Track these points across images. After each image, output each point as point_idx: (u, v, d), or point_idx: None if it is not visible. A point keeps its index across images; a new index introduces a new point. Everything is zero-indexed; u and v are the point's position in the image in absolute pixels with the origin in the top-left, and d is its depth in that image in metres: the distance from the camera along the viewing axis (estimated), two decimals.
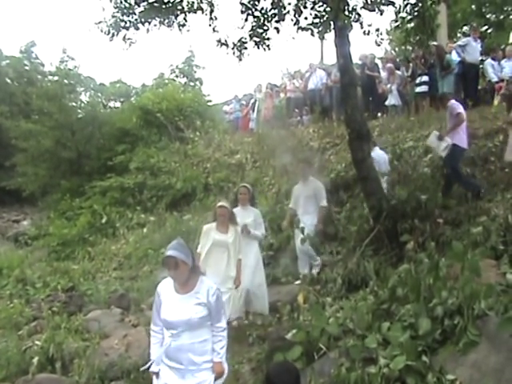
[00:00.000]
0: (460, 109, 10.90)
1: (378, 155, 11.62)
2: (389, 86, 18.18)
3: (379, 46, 10.63)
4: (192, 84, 45.40)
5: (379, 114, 18.29)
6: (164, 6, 10.94)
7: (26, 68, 49.94)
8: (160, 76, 45.10)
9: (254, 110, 24.18)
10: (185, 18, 11.37)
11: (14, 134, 28.79)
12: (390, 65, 18.94)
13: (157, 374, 5.28)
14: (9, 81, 48.43)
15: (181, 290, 5.19)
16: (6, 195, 41.00)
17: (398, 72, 18.60)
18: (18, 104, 44.73)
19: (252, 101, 24.96)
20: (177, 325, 5.10)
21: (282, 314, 8.66)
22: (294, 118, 22.00)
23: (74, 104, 29.22)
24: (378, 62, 20.10)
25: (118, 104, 33.35)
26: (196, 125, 23.33)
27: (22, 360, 8.67)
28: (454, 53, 16.90)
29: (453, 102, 11.07)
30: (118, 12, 11.02)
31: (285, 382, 4.10)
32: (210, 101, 30.50)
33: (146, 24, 11.16)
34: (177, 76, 46.69)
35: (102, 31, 11.23)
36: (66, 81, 28.96)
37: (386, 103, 18.15)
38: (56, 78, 30.14)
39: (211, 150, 20.22)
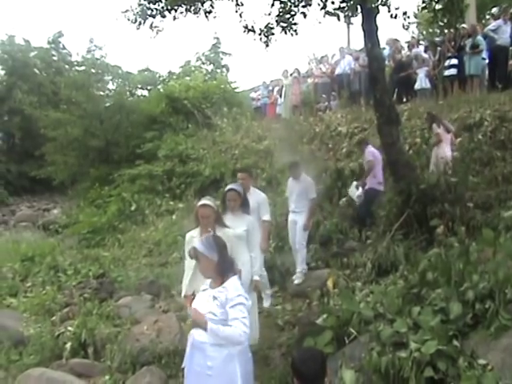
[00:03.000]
0: (371, 156, 11.40)
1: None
2: (417, 69, 18.01)
3: (407, 29, 10.57)
4: (218, 71, 45.43)
5: (408, 98, 18.18)
6: None
7: (54, 58, 50.26)
8: (186, 63, 45.20)
9: (281, 96, 24.10)
10: (211, 5, 11.36)
11: (43, 123, 29.06)
12: (417, 48, 18.79)
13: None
14: (37, 71, 48.80)
15: (212, 283, 4.96)
16: (36, 184, 41.44)
17: (426, 55, 18.43)
18: (46, 94, 45.07)
19: (279, 87, 24.87)
20: None
21: (312, 299, 8.67)
22: (322, 103, 21.92)
23: (101, 93, 29.43)
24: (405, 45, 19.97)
25: (145, 92, 33.50)
26: (223, 111, 23.34)
27: (55, 345, 8.78)
28: (482, 36, 16.69)
29: (369, 148, 11.55)
30: (144, 0, 11.04)
31: (310, 369, 4.07)
32: (237, 87, 30.46)
33: (173, 11, 11.15)
34: (203, 63, 46.80)
35: (128, 20, 11.27)
36: (93, 70, 29.20)
37: (415, 87, 17.99)
38: (83, 67, 30.43)
39: (239, 137, 20.21)
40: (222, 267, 4.88)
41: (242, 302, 4.73)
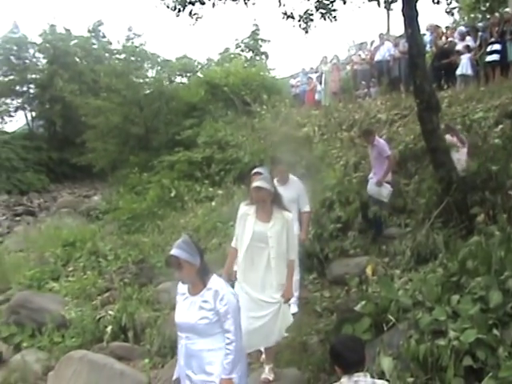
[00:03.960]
0: (389, 149, 10.92)
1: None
2: (460, 55, 17.77)
3: (452, 15, 10.42)
4: (257, 58, 45.32)
5: (449, 85, 17.96)
6: None
7: (94, 47, 50.75)
8: (225, 51, 45.20)
9: (320, 83, 23.99)
10: None
11: (84, 111, 29.39)
12: (460, 34, 18.54)
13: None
14: (78, 60, 49.31)
15: (191, 290, 4.75)
16: (77, 171, 41.97)
17: (468, 41, 18.18)
18: (86, 82, 45.49)
19: (318, 74, 24.76)
20: (184, 328, 4.79)
21: (351, 287, 8.65)
22: (361, 90, 21.77)
23: (141, 80, 29.57)
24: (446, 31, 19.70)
25: (184, 79, 33.57)
26: (262, 98, 23.27)
27: (96, 329, 8.98)
28: None
29: (380, 140, 11.02)
30: None
31: (352, 355, 4.10)
32: (276, 75, 30.40)
33: None
34: (242, 50, 46.69)
35: (168, 7, 11.32)
36: (132, 58, 29.34)
37: (457, 72, 17.74)
38: (123, 55, 30.58)
39: (278, 124, 20.13)
40: (204, 270, 4.71)
41: (229, 310, 4.59)
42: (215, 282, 4.68)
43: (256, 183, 6.27)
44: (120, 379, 7.32)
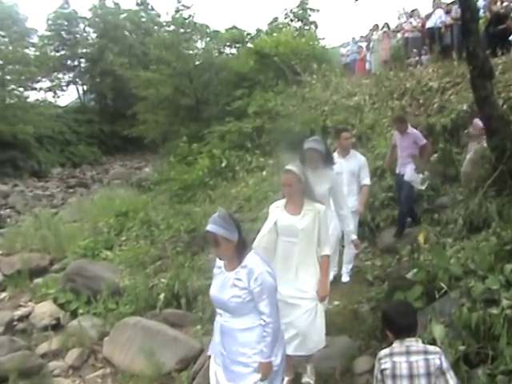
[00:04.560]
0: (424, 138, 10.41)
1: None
2: None
3: None
4: (306, 28, 44.94)
5: (503, 52, 17.55)
6: None
7: (143, 20, 51.27)
8: (274, 21, 44.88)
9: (370, 52, 23.72)
10: None
11: (134, 83, 29.70)
12: None
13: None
14: (127, 33, 49.80)
15: (227, 265, 4.52)
16: (128, 143, 42.63)
17: None
18: (136, 55, 46.01)
19: (369, 42, 24.47)
20: (217, 304, 4.60)
21: (402, 255, 8.59)
22: (412, 58, 21.43)
23: (190, 52, 29.59)
24: None
25: (233, 50, 33.48)
26: (312, 68, 23.08)
27: (149, 296, 9.10)
28: None
29: (413, 129, 10.34)
30: None
31: (404, 320, 4.11)
32: (326, 44, 30.13)
33: None
34: (291, 20, 46.33)
35: None
36: (181, 29, 29.35)
37: (511, 39, 17.32)
38: (172, 27, 30.59)
39: (329, 93, 19.95)
40: (242, 247, 4.44)
41: (264, 290, 4.34)
42: (251, 259, 4.41)
43: (286, 166, 5.85)
44: (173, 345, 7.40)
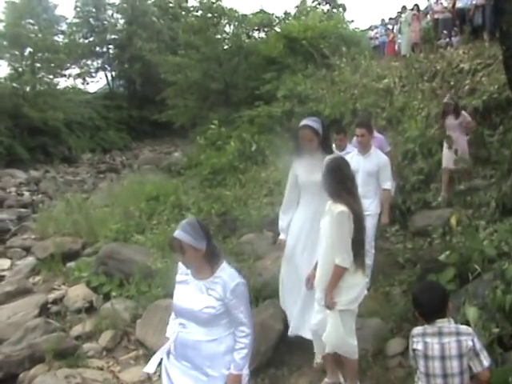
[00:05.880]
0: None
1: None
2: None
3: None
4: (334, 11, 44.71)
5: None
6: None
7: (171, 5, 51.28)
8: (302, 4, 44.66)
9: (400, 34, 23.52)
10: None
11: (163, 68, 29.79)
12: None
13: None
14: (155, 19, 49.83)
15: (196, 273, 4.24)
16: (157, 129, 42.81)
17: None
18: (164, 40, 46.16)
19: (398, 24, 24.26)
20: (183, 314, 4.28)
21: (434, 238, 8.55)
22: (443, 39, 21.18)
23: (219, 36, 29.58)
24: None
25: (261, 34, 33.40)
26: (341, 51, 22.96)
27: None
28: None
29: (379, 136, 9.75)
30: None
31: (429, 300, 4.11)
32: (355, 27, 29.97)
33: None
34: (319, 3, 46.12)
35: None
36: (209, 14, 29.34)
37: None
38: (199, 12, 30.59)
39: (358, 76, 19.83)
40: (212, 255, 4.18)
41: (242, 302, 4.16)
42: (225, 270, 4.17)
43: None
44: None
